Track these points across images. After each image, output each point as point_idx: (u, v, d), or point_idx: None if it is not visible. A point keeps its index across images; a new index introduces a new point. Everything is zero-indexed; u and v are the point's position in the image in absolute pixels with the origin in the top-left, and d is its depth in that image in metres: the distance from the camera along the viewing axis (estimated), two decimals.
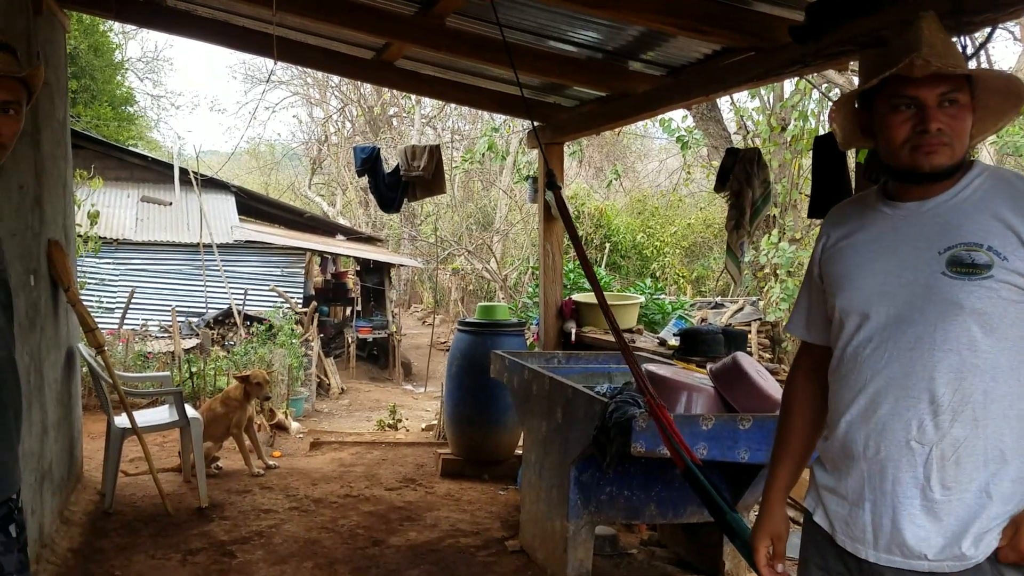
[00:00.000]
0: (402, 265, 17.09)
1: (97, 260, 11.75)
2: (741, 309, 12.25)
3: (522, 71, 4.47)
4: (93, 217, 9.58)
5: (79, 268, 10.59)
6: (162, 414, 4.62)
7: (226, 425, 5.05)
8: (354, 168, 5.98)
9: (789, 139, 11.74)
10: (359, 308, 15.86)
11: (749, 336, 12.04)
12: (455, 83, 5.31)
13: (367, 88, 24.80)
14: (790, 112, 11.85)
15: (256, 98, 34.90)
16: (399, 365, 14.48)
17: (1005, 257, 1.43)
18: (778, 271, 11.61)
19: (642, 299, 6.29)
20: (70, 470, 4.34)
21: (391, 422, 8.01)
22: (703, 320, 12.14)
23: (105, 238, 11.86)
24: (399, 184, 5.75)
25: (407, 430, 7.73)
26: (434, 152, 5.66)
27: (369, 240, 17.02)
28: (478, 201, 22.18)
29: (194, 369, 7.15)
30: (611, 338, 5.29)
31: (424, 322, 21.51)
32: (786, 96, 11.88)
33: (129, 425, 4.32)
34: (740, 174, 3.67)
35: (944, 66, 1.43)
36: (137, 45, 41.72)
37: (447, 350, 16.77)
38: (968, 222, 1.47)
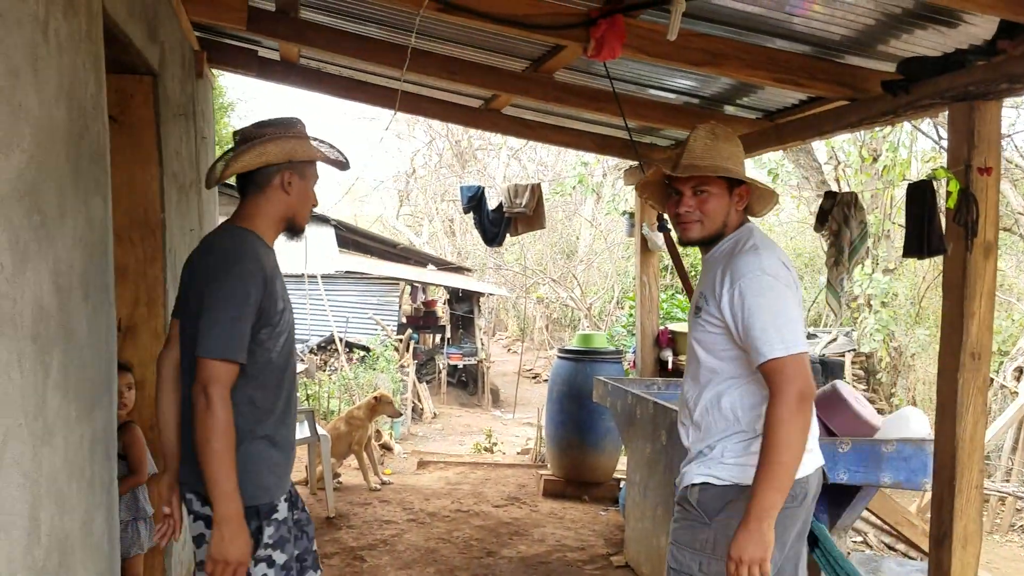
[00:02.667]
0: (490, 294, 17.56)
1: None
2: (835, 340, 12.17)
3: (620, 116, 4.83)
4: None
5: None
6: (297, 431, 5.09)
7: (348, 443, 5.49)
8: (460, 203, 6.40)
9: (880, 170, 11.70)
10: (448, 335, 16.40)
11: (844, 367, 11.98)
12: (556, 127, 5.68)
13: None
14: (881, 143, 11.82)
15: (350, 133, 36.23)
16: (488, 391, 14.88)
17: (708, 302, 2.06)
18: (871, 301, 11.53)
19: None
20: None
21: (487, 445, 8.37)
22: None
23: None
24: (502, 220, 6.15)
25: (503, 453, 8.08)
26: (536, 190, 6.05)
27: (458, 269, 17.58)
28: (562, 231, 22.54)
29: (309, 392, 7.69)
30: None
31: (508, 349, 21.93)
32: (877, 127, 11.87)
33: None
34: (838, 215, 3.90)
35: (696, 169, 2.05)
36: (236, 88, 43.98)
37: (533, 377, 17.22)
38: (706, 276, 2.12)
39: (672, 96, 4.68)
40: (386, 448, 7.46)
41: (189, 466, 1.98)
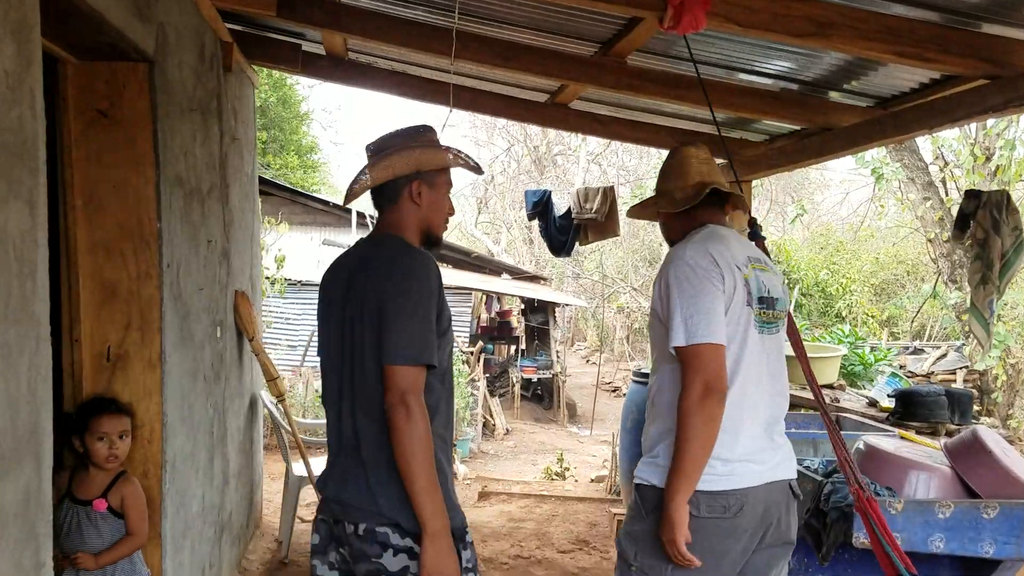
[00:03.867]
0: (567, 304, 16.93)
1: (283, 301, 12.42)
2: (944, 355, 11.07)
3: (707, 106, 4.16)
4: (280, 261, 10.14)
5: (265, 308, 11.28)
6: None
7: None
8: (525, 209, 5.83)
9: (994, 170, 10.56)
10: (523, 347, 15.84)
11: (954, 385, 10.84)
12: (630, 122, 5.06)
13: (533, 129, 25.19)
14: (995, 140, 10.68)
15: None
16: (564, 406, 14.24)
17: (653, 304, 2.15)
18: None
19: (844, 350, 5.67)
20: (249, 517, 4.39)
21: (558, 470, 7.76)
22: (901, 367, 11.06)
23: (290, 280, 12.56)
24: (571, 227, 5.54)
25: (575, 480, 7.45)
26: (608, 193, 5.42)
27: (533, 279, 17.03)
28: (644, 237, 21.74)
29: None
30: (808, 395, 4.77)
31: (588, 360, 21.21)
32: (990, 123, 10.73)
33: (306, 473, 4.33)
34: (985, 220, 3.14)
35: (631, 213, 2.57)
36: (319, 98, 44.81)
37: (613, 390, 16.45)
38: None
39: (767, 81, 4.00)
40: None
41: (385, 498, 1.81)
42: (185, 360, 2.99)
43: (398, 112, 49.62)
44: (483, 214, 29.37)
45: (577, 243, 5.67)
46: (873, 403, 4.39)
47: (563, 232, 5.61)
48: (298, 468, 4.40)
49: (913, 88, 3.67)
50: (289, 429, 4.25)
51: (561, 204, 5.83)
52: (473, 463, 10.19)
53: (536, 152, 23.55)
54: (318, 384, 10.33)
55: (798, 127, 4.38)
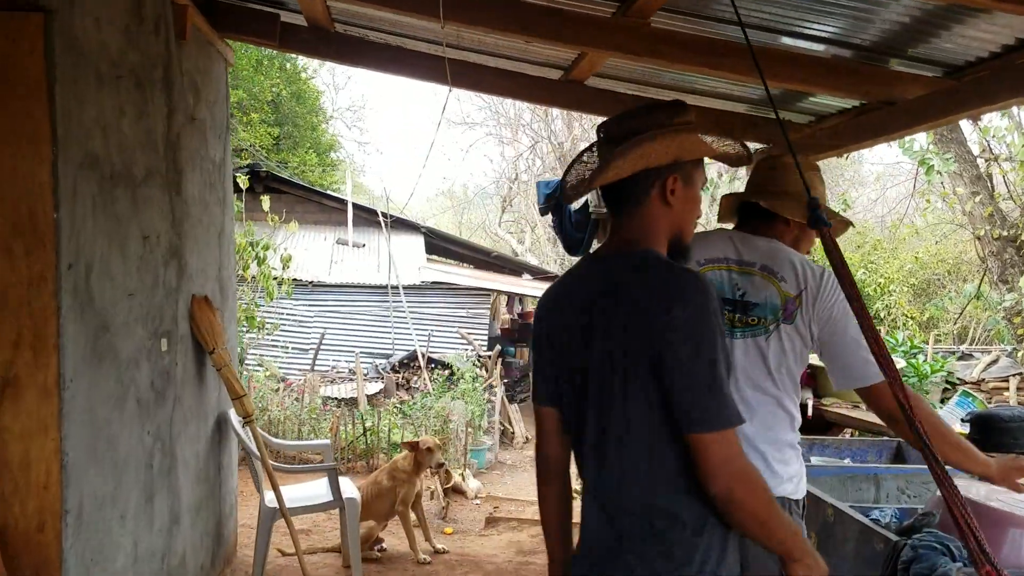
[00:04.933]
0: None
1: (294, 302, 11.95)
2: (995, 361, 10.25)
3: (749, 78, 3.55)
4: (286, 261, 9.63)
5: (273, 310, 10.81)
6: (318, 491, 4.05)
7: (392, 501, 4.41)
8: (536, 201, 5.23)
9: None
10: None
11: (1007, 393, 10.05)
12: (654, 100, 4.43)
13: (557, 124, 24.57)
14: None
15: (450, 140, 36.11)
16: None
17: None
18: None
19: (900, 361, 4.99)
20: (216, 554, 3.84)
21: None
22: (949, 374, 10.26)
23: (300, 280, 12.09)
24: (588, 223, 4.93)
25: None
26: None
27: (555, 279, 16.39)
28: None
29: (368, 424, 6.68)
30: (860, 415, 4.13)
31: None
32: None
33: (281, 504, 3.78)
34: None
35: None
36: (346, 95, 44.64)
37: None
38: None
39: (816, 47, 3.37)
40: (457, 492, 6.36)
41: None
42: (102, 383, 2.43)
43: (426, 108, 49.16)
44: (507, 213, 28.88)
45: (595, 241, 5.05)
46: None
47: (579, 228, 5.00)
48: (271, 498, 3.85)
49: (993, 53, 3.03)
50: (258, 454, 3.70)
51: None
52: (489, 475, 9.61)
53: (560, 148, 22.92)
54: (326, 391, 9.82)
55: (853, 102, 3.74)
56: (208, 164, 3.77)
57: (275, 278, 9.52)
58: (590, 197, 4.94)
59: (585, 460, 1.58)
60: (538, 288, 14.67)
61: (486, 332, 13.09)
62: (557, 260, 23.55)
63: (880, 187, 19.42)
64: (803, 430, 4.11)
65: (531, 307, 16.70)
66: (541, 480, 1.79)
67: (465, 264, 16.92)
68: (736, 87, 4.04)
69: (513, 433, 11.97)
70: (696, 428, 1.41)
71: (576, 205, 5.12)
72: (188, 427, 3.35)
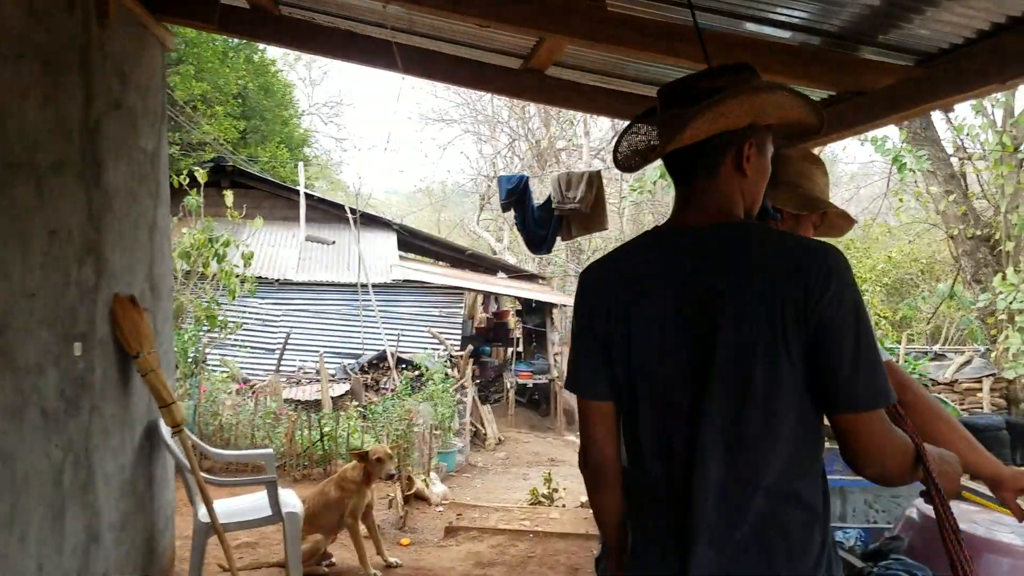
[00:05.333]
0: (563, 305, 16.11)
1: (259, 301, 11.66)
2: (969, 362, 10.19)
3: (692, 65, 3.36)
4: (247, 258, 9.35)
5: (236, 308, 10.52)
6: (257, 504, 3.82)
7: (340, 513, 4.18)
8: (499, 196, 5.03)
9: (1023, 161, 9.72)
10: (520, 350, 15.03)
11: (980, 395, 9.99)
12: (618, 93, 4.25)
13: (535, 123, 24.40)
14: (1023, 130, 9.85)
15: (428, 138, 35.91)
16: (561, 413, 13.44)
17: None
18: (1016, 317, 9.50)
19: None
20: (148, 571, 3.60)
21: (546, 492, 6.96)
22: (921, 376, 10.18)
23: (266, 278, 11.80)
24: (551, 219, 4.74)
25: (563, 503, 6.65)
26: (594, 180, 4.61)
27: (531, 278, 16.21)
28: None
29: (326, 429, 6.43)
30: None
31: None
32: (1017, 111, 9.90)
33: (218, 517, 3.54)
34: None
35: None
36: (323, 91, 44.18)
37: None
38: None
39: (783, 34, 3.19)
40: (420, 498, 6.14)
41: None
42: None
43: (405, 105, 48.67)
44: (485, 211, 28.68)
45: (559, 238, 4.87)
46: None
47: (542, 225, 4.81)
48: (205, 512, 3.61)
49: (968, 39, 2.87)
50: (188, 466, 3.45)
51: (541, 192, 5.02)
52: (459, 479, 9.41)
53: (538, 147, 22.75)
54: (290, 393, 9.55)
55: (823, 94, 3.56)
56: (138, 154, 3.52)
57: (238, 276, 9.25)
58: (552, 192, 4.75)
59: (700, 455, 1.37)
60: (512, 287, 14.48)
61: (460, 332, 12.87)
62: (535, 259, 23.36)
63: (854, 187, 19.41)
64: None
65: (507, 306, 16.49)
66: (600, 489, 1.55)
67: (440, 262, 16.68)
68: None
69: (485, 435, 11.77)
70: (862, 406, 1.30)
71: (539, 201, 4.93)
72: (110, 438, 3.11)
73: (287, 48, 4.27)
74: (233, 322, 9.54)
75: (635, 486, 1.49)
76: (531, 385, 13.70)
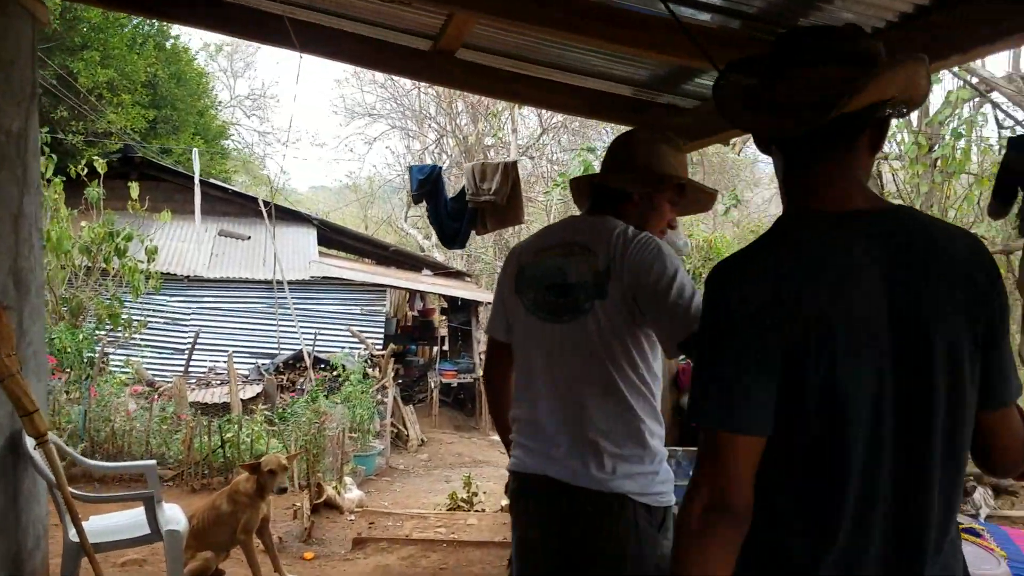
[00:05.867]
0: (488, 303, 15.90)
1: (168, 298, 11.06)
2: None
3: (629, 50, 3.18)
4: (151, 253, 8.83)
5: (141, 305, 9.92)
6: (136, 520, 3.46)
7: (233, 528, 3.85)
8: (409, 188, 4.76)
9: (937, 160, 9.95)
10: (446, 348, 14.76)
11: None
12: (532, 79, 4.03)
13: (464, 119, 24.13)
14: (938, 129, 10.08)
15: (355, 132, 35.35)
16: (486, 413, 13.22)
17: None
18: None
19: None
20: None
21: (465, 496, 6.71)
22: None
23: (174, 274, 11.21)
24: (465, 212, 4.49)
25: (483, 507, 6.42)
26: (509, 171, 4.39)
27: (458, 275, 15.94)
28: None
29: (228, 436, 6.04)
30: None
31: None
32: (932, 111, 10.13)
33: (91, 536, 3.18)
34: None
35: None
36: (245, 83, 42.93)
37: None
38: None
39: (702, 15, 3.02)
40: (330, 506, 5.82)
41: None
42: None
43: (334, 100, 47.68)
44: (413, 208, 28.26)
45: (473, 231, 4.62)
46: None
47: (455, 218, 4.56)
48: (83, 529, 3.24)
49: (890, 22, 2.74)
50: (53, 480, 3.08)
51: (456, 184, 4.77)
52: (378, 482, 9.08)
53: (465, 143, 22.47)
54: (198, 395, 9.06)
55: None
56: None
57: (142, 272, 8.72)
58: (466, 184, 4.51)
59: (908, 484, 1.14)
60: (436, 285, 14.17)
61: (382, 330, 12.51)
62: (463, 255, 23.08)
63: (774, 187, 19.79)
64: (690, 441, 3.79)
65: (433, 304, 16.17)
66: (728, 547, 1.14)
67: (365, 259, 16.25)
68: (621, 66, 3.67)
69: (407, 436, 11.46)
70: (1014, 397, 1.24)
71: (452, 193, 4.68)
72: None
73: (160, 20, 3.91)
74: (138, 321, 9.00)
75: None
76: (456, 385, 13.44)
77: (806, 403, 1.12)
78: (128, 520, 3.51)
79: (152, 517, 3.30)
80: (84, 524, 3.33)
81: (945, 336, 1.14)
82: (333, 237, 14.55)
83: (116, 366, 9.46)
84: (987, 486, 2.96)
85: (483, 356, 14.03)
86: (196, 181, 11.88)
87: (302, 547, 4.85)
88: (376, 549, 4.80)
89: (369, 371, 10.35)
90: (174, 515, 3.57)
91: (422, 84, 23.62)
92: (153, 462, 3.74)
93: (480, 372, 13.21)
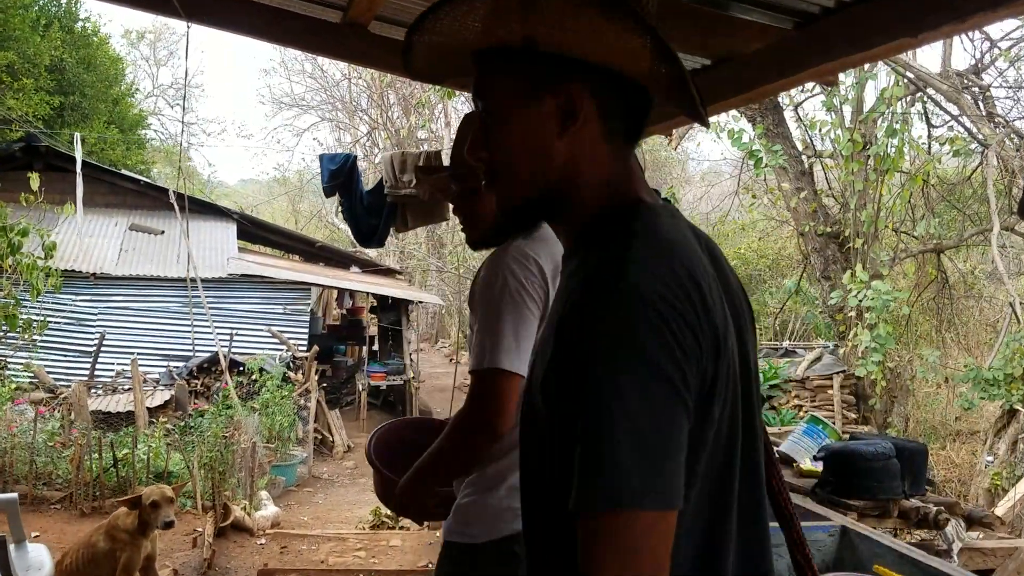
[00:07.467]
0: (419, 301, 15.42)
1: (72, 297, 10.27)
2: (819, 359, 10.33)
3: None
4: (49, 249, 8.09)
5: (38, 305, 9.13)
6: None
7: (111, 568, 3.33)
8: (320, 180, 4.29)
9: (872, 158, 9.91)
10: (375, 348, 14.22)
11: (831, 391, 10.13)
12: None
13: (396, 112, 23.52)
14: (872, 127, 10.04)
15: (282, 123, 34.38)
16: (418, 415, 12.75)
17: None
18: (865, 314, 9.66)
19: None
20: None
21: (390, 512, 6.26)
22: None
23: (79, 271, 10.42)
24: (383, 207, 4.05)
25: (406, 526, 5.98)
26: (432, 161, 3.96)
27: (388, 272, 15.40)
28: None
29: (119, 455, 5.44)
30: None
31: (451, 360, 19.80)
32: (866, 108, 10.10)
33: None
34: None
35: None
36: (168, 72, 41.35)
37: None
38: None
39: None
40: (239, 529, 5.30)
41: None
42: None
43: (255, 89, 46.33)
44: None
45: (392, 229, 4.19)
46: (789, 463, 3.08)
47: (374, 213, 4.11)
48: None
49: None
50: None
51: (373, 177, 4.32)
52: (299, 494, 8.55)
53: (397, 135, 21.88)
54: (101, 403, 8.37)
55: (694, 63, 3.07)
56: None
57: (42, 269, 7.98)
58: (384, 175, 4.06)
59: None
60: (364, 283, 13.60)
61: (306, 330, 11.91)
62: (396, 251, 22.48)
63: (705, 185, 19.83)
64: None
65: (362, 302, 15.58)
66: None
67: (291, 256, 15.56)
68: None
69: (333, 442, 10.91)
70: None
71: (369, 186, 4.24)
72: None
73: None
74: (37, 322, 8.24)
75: None
76: (385, 387, 12.93)
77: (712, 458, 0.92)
78: None
79: (5, 565, 2.78)
80: None
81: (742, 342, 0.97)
82: (256, 232, 13.84)
83: (14, 371, 8.69)
84: (959, 517, 2.73)
85: (414, 356, 13.57)
86: (79, 167, 11.03)
87: None
88: None
89: (291, 374, 9.79)
90: (37, 559, 3.04)
91: (352, 75, 22.96)
92: (14, 495, 3.21)
93: (410, 373, 12.73)
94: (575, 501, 0.74)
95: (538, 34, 0.89)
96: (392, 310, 13.91)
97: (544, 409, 0.83)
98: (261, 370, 8.97)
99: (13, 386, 7.22)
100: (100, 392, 9.04)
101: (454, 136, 1.75)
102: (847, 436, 3.50)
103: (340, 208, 4.37)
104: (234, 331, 10.72)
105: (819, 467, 2.78)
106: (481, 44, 0.94)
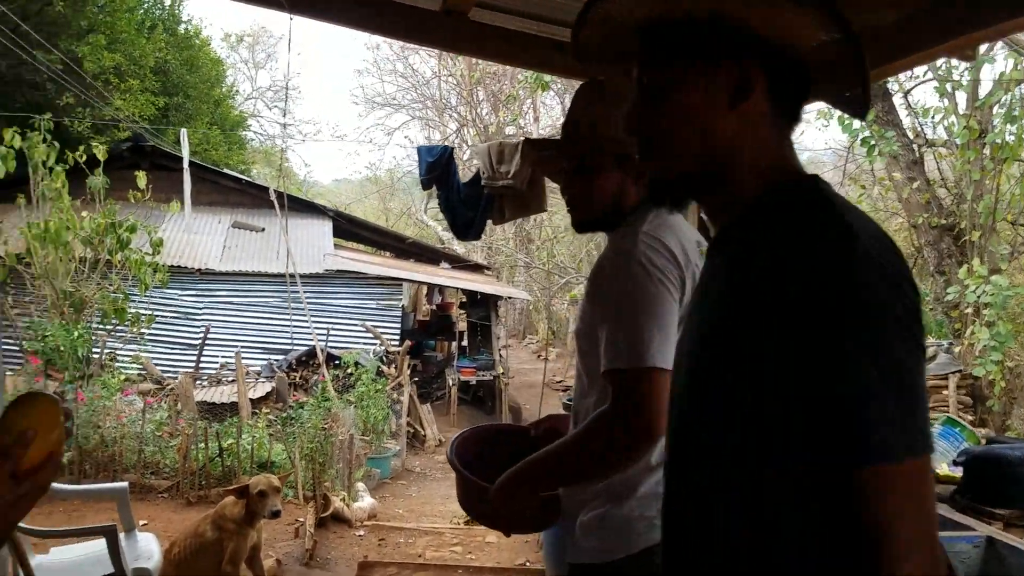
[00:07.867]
0: (509, 297, 15.39)
1: (179, 292, 10.70)
2: (934, 358, 9.73)
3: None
4: (156, 245, 8.43)
5: (148, 300, 9.51)
6: (99, 554, 3.00)
7: (218, 558, 3.38)
8: (418, 173, 4.25)
9: (990, 147, 9.28)
10: (464, 343, 14.29)
11: (946, 392, 9.54)
12: (556, 42, 3.50)
13: (484, 108, 23.61)
14: (989, 114, 9.41)
15: (374, 123, 35.03)
16: (507, 411, 12.72)
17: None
18: (983, 311, 9.07)
19: None
20: None
21: None
22: None
23: (185, 267, 10.83)
24: (480, 199, 3.98)
25: None
26: (529, 151, 3.86)
27: (477, 268, 15.45)
28: None
29: (225, 444, 5.58)
30: None
31: (539, 356, 19.74)
32: (982, 95, 9.46)
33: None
34: None
35: None
36: (267, 75, 42.73)
37: (564, 389, 15.01)
38: None
39: None
40: (339, 520, 5.36)
41: None
42: None
43: (348, 89, 47.41)
44: (432, 199, 27.68)
45: (490, 221, 4.12)
46: None
47: (470, 206, 4.05)
48: (36, 561, 2.79)
49: None
50: None
51: (469, 168, 4.25)
52: (394, 486, 8.64)
53: (485, 132, 21.94)
54: (206, 394, 8.66)
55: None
56: None
57: (150, 264, 8.33)
58: (481, 167, 3.99)
59: None
60: (454, 278, 13.67)
61: (398, 325, 12.06)
62: (484, 247, 22.60)
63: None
64: None
65: (451, 298, 15.69)
66: None
67: (382, 252, 15.81)
68: None
69: (424, 436, 11.00)
70: None
71: (466, 178, 4.17)
72: None
73: None
74: (145, 316, 8.60)
75: None
76: (475, 382, 12.95)
77: None
78: (92, 554, 3.05)
79: (115, 554, 2.84)
80: (45, 557, 2.89)
81: None
82: (350, 229, 14.12)
83: (124, 363, 9.10)
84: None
85: (503, 353, 13.54)
86: (186, 163, 11.44)
87: (304, 571, 4.39)
88: None
89: (384, 368, 9.91)
90: (146, 548, 3.11)
91: (442, 72, 23.17)
92: (124, 484, 3.28)
93: (500, 369, 12.71)
94: (858, 454, 0.76)
95: (725, 7, 0.89)
96: (481, 306, 13.94)
97: (750, 381, 0.83)
98: (356, 364, 9.10)
99: (122, 377, 7.53)
100: (205, 384, 9.37)
101: (566, 111, 1.62)
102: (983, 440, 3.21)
103: (437, 201, 4.32)
104: (330, 325, 10.93)
105: (957, 472, 2.53)
106: (664, 15, 0.93)
